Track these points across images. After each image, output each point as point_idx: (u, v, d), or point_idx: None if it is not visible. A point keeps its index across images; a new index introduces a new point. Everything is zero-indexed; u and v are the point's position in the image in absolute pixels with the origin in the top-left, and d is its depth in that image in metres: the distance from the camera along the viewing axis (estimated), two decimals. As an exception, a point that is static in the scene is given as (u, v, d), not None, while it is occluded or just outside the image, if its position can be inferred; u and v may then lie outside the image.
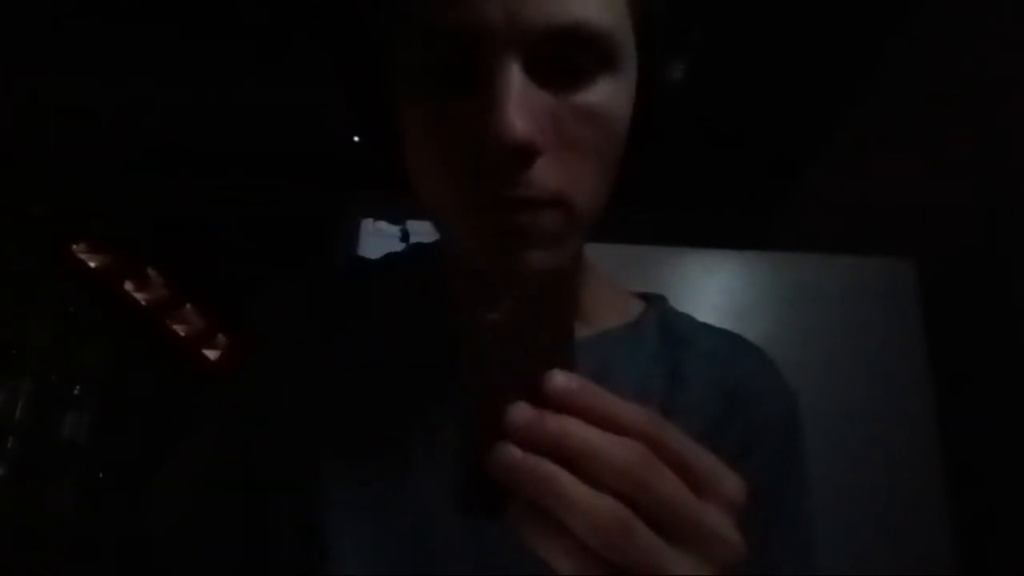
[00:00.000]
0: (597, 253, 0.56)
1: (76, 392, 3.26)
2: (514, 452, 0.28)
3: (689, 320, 0.56)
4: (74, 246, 3.16)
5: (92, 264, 3.27)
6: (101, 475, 3.35)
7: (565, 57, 0.41)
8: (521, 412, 0.28)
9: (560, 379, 0.29)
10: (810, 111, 2.02)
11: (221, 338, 4.11)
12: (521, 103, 0.39)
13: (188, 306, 3.94)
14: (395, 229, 1.57)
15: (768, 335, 0.55)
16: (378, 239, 1.56)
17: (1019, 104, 1.29)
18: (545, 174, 0.41)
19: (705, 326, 0.56)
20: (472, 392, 0.31)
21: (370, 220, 1.59)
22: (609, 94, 0.43)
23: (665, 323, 0.54)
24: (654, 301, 0.56)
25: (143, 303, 3.67)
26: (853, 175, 1.97)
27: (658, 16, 0.45)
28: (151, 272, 3.60)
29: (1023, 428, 1.23)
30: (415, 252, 0.59)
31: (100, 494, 3.29)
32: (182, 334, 4.04)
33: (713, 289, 1.32)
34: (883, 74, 1.80)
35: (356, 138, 0.48)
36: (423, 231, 0.58)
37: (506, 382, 0.30)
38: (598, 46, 0.41)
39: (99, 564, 3.02)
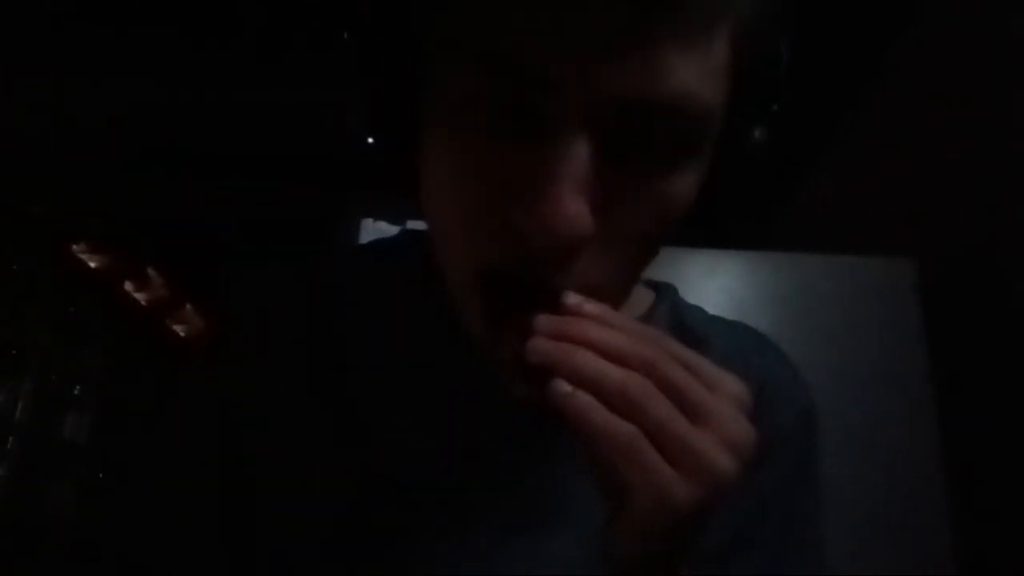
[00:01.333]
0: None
1: (76, 392, 3.26)
2: (544, 339, 0.33)
3: (701, 314, 0.55)
4: (74, 246, 3.16)
5: (92, 264, 3.27)
6: (101, 475, 3.35)
7: (649, 134, 0.34)
8: (545, 318, 0.34)
9: (573, 297, 0.35)
10: (811, 111, 2.02)
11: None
12: (582, 186, 0.32)
13: (188, 306, 3.93)
14: (395, 229, 1.57)
15: (769, 335, 0.55)
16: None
17: (1019, 104, 1.28)
18: (583, 265, 0.35)
19: (717, 320, 0.55)
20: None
21: (370, 220, 1.58)
22: (686, 183, 0.36)
23: (677, 316, 0.53)
24: (664, 292, 0.55)
25: (143, 303, 3.67)
26: (853, 175, 1.97)
27: (762, 86, 0.39)
28: (151, 272, 3.60)
29: (1023, 428, 1.23)
30: (408, 240, 0.55)
31: (100, 494, 3.28)
32: (182, 334, 4.04)
33: (714, 289, 1.32)
34: (884, 74, 1.80)
35: (370, 139, 0.42)
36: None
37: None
38: (693, 126, 0.34)
39: (99, 564, 3.01)
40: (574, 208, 0.32)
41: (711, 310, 0.56)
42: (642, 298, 0.54)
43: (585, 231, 0.33)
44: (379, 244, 0.57)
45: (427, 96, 0.38)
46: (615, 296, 0.39)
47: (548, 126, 0.33)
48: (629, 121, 0.33)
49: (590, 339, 0.33)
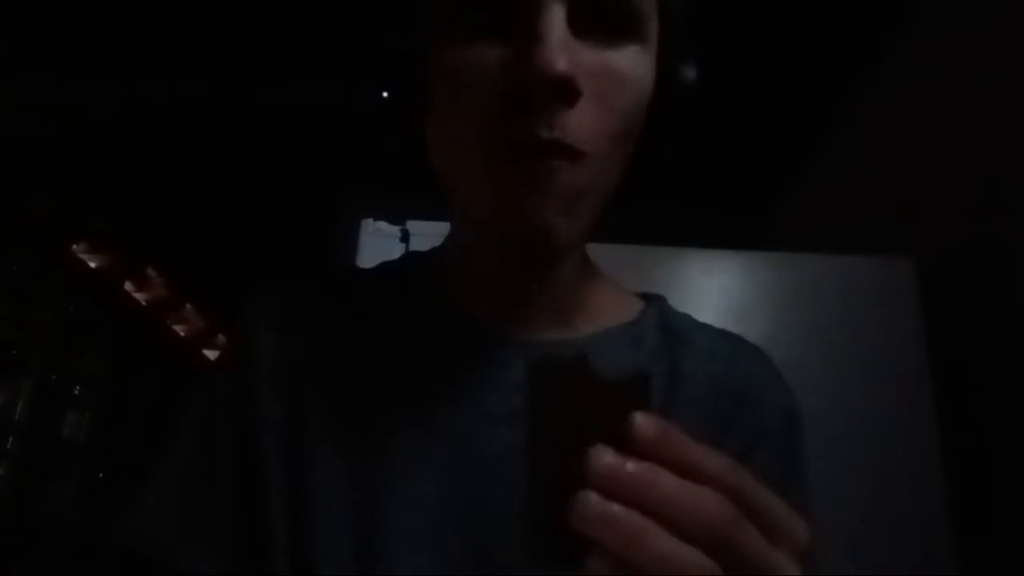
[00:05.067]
0: (597, 253, 0.56)
1: (76, 392, 3.27)
2: (600, 501, 0.26)
3: (689, 320, 0.56)
4: (74, 246, 3.16)
5: (92, 264, 3.27)
6: (101, 475, 3.36)
7: (603, 16, 0.42)
8: (606, 457, 0.27)
9: (644, 423, 0.27)
10: (810, 110, 2.02)
11: (221, 338, 4.12)
12: (564, 45, 0.39)
13: (188, 306, 3.94)
14: (395, 229, 1.57)
15: (767, 335, 0.55)
16: (378, 239, 1.55)
17: (1019, 104, 1.29)
18: (577, 121, 0.41)
19: (705, 326, 0.56)
20: (543, 433, 0.29)
21: (370, 220, 1.58)
22: (637, 62, 0.44)
23: (665, 322, 0.54)
24: (654, 301, 0.56)
25: (143, 303, 3.67)
26: (852, 174, 1.97)
27: (680, 2, 0.48)
28: (151, 272, 3.60)
29: (1023, 427, 1.23)
30: (410, 259, 0.59)
31: (100, 494, 3.29)
32: (182, 334, 4.04)
33: (712, 289, 1.32)
34: (883, 73, 1.80)
35: (384, 94, 0.47)
36: (423, 231, 0.57)
37: (580, 422, 0.28)
38: (634, 13, 0.43)
39: (99, 564, 3.03)
40: (562, 58, 0.39)
41: (710, 310, 0.57)
42: (632, 306, 0.55)
43: (574, 74, 0.39)
44: (386, 264, 0.59)
45: (429, 22, 0.45)
46: (602, 170, 0.43)
47: (531, 8, 0.40)
48: (587, 5, 0.41)
49: (654, 496, 0.27)
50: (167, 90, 2.27)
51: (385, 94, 0.47)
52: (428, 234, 1.43)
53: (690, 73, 0.48)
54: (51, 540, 3.02)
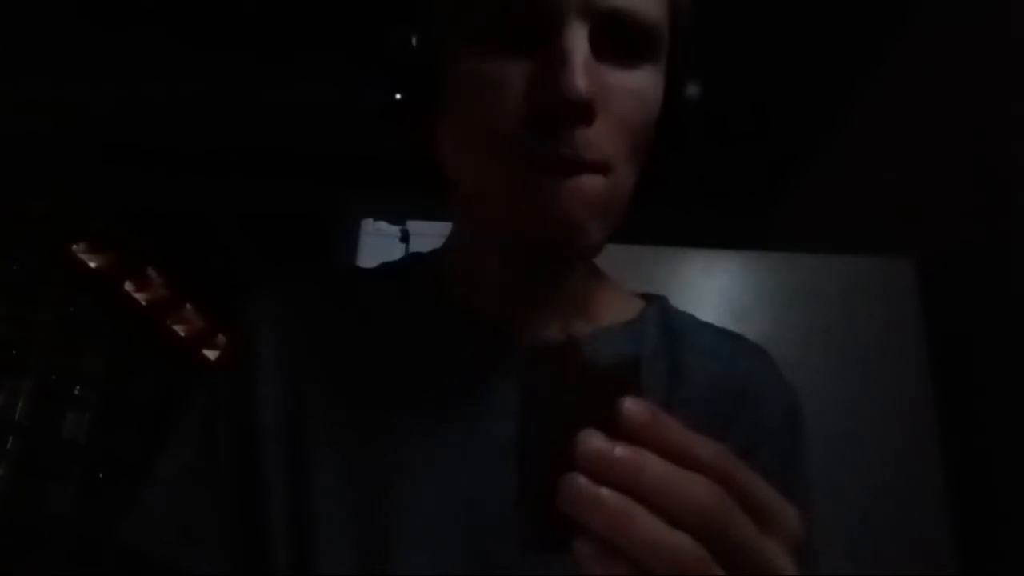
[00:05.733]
0: (596, 253, 0.56)
1: (76, 392, 3.27)
2: (587, 484, 0.26)
3: (690, 318, 0.56)
4: (74, 246, 3.16)
5: (92, 264, 3.27)
6: (101, 475, 3.36)
7: (621, 37, 0.43)
8: (593, 440, 0.26)
9: (634, 408, 0.27)
10: (810, 110, 2.02)
11: (221, 338, 4.12)
12: (586, 66, 0.41)
13: (188, 306, 3.94)
14: (395, 229, 1.57)
15: (767, 335, 0.55)
16: (378, 239, 1.55)
17: (1019, 104, 1.29)
18: (597, 138, 0.42)
19: (706, 325, 0.56)
20: (534, 418, 0.29)
21: (370, 220, 1.58)
22: (651, 82, 0.46)
23: (666, 321, 0.54)
24: (655, 300, 0.56)
25: (143, 303, 3.67)
26: (852, 174, 1.97)
27: (688, 22, 0.49)
28: (151, 272, 3.60)
29: (1022, 427, 1.23)
30: (411, 260, 0.59)
31: (100, 494, 3.29)
32: (182, 334, 4.04)
33: (712, 289, 1.32)
34: (883, 73, 1.80)
35: (397, 96, 0.47)
36: (423, 231, 0.57)
37: (572, 407, 0.28)
38: (650, 35, 0.44)
39: (99, 564, 3.03)
40: (584, 80, 0.40)
41: (710, 310, 0.57)
42: (633, 306, 0.55)
43: (593, 95, 0.40)
44: (386, 264, 0.59)
45: (446, 35, 0.45)
46: (620, 183, 0.45)
47: (554, 30, 0.41)
48: (608, 26, 0.42)
49: (644, 481, 0.26)
50: (167, 90, 2.26)
51: (398, 96, 0.47)
52: (428, 234, 1.43)
53: (697, 90, 0.50)
54: (51, 540, 3.02)
